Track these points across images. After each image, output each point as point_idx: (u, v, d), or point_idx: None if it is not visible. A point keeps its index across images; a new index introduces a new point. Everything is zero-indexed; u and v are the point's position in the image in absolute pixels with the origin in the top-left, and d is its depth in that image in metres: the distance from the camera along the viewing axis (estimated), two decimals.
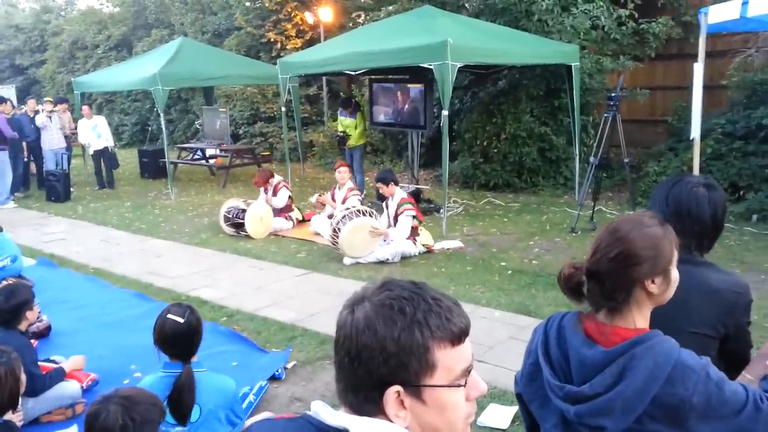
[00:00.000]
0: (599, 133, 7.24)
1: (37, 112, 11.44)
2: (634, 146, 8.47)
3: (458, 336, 0.95)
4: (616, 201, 8.68)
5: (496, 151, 9.72)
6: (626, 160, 7.30)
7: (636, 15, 9.07)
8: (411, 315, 0.92)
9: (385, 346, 0.90)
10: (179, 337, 2.56)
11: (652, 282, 1.39)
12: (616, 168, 9.13)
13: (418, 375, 0.92)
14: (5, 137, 10.13)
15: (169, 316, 2.58)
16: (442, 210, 7.73)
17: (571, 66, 8.37)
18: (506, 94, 9.85)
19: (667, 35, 9.26)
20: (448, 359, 0.93)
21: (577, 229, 7.19)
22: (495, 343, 4.28)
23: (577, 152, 8.80)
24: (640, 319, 1.41)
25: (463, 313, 0.97)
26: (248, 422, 2.87)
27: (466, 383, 0.97)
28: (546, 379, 1.45)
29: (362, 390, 0.93)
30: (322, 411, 0.96)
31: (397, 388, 0.91)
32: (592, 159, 7.20)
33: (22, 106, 12.60)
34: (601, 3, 9.04)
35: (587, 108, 9.44)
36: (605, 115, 7.06)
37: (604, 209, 7.96)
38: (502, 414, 3.32)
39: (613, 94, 7.05)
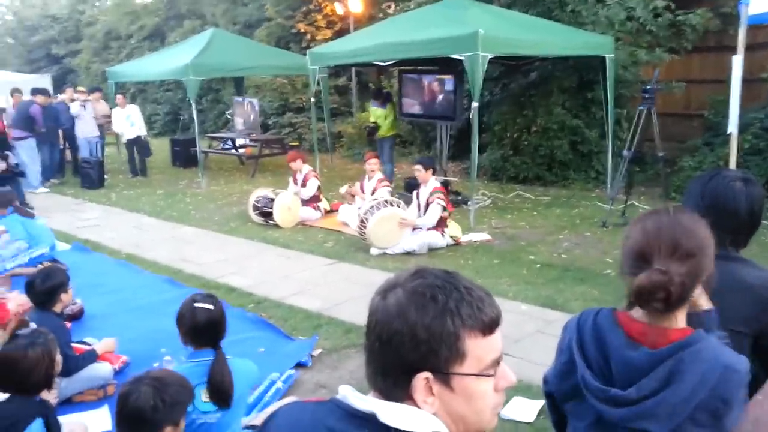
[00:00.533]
0: (633, 126, 7.11)
1: (73, 100, 11.69)
2: (669, 140, 8.28)
3: (489, 326, 0.95)
4: (649, 196, 8.52)
5: (526, 143, 9.61)
6: (660, 154, 7.15)
7: (672, 6, 8.85)
8: (443, 303, 0.92)
9: (416, 332, 0.90)
10: (212, 324, 2.59)
11: (707, 275, 1.35)
12: (649, 162, 8.95)
13: (447, 362, 0.92)
14: (35, 125, 10.36)
15: (199, 305, 2.60)
16: (470, 202, 7.68)
17: (604, 57, 8.22)
18: (537, 86, 9.72)
19: (704, 27, 9.02)
20: (478, 348, 0.93)
21: (609, 223, 7.09)
22: (522, 337, 4.26)
23: (610, 145, 8.64)
24: (682, 317, 1.36)
25: (494, 304, 0.97)
26: (276, 405, 2.91)
27: (495, 373, 0.96)
28: (584, 379, 1.40)
29: (392, 375, 0.93)
30: (351, 395, 0.96)
31: (427, 374, 0.91)
32: (625, 152, 7.07)
33: (58, 95, 12.87)
34: None
35: (621, 101, 9.25)
36: (640, 108, 6.92)
37: (636, 203, 7.83)
38: (527, 407, 3.30)
39: (648, 87, 6.92)
